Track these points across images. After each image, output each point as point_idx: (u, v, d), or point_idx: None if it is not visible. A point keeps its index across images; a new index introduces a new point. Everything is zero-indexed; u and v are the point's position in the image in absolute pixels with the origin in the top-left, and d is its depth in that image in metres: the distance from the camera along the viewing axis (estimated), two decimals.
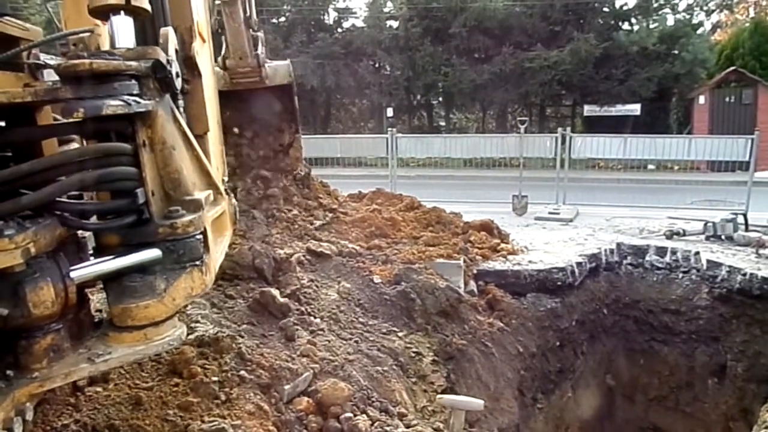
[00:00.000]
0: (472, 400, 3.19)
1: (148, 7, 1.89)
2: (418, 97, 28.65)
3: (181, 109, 2.32)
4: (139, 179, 1.78)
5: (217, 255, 2.17)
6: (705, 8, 28.83)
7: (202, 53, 2.52)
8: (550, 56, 23.42)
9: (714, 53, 25.19)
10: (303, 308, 4.71)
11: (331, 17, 29.09)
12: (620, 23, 25.78)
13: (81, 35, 1.76)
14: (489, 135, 21.87)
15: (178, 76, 1.89)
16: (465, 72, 24.69)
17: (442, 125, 30.62)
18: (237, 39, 5.62)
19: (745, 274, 6.43)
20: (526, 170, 13.31)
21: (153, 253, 1.80)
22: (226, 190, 2.51)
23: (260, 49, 5.85)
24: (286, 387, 3.62)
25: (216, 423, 3.03)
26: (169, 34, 1.95)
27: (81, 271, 1.66)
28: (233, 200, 2.53)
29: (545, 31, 24.65)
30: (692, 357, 6.90)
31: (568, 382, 6.97)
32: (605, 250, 7.68)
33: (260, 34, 6.00)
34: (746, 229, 8.29)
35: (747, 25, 25.92)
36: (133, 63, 1.68)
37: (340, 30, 28.56)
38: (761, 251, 7.24)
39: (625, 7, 26.02)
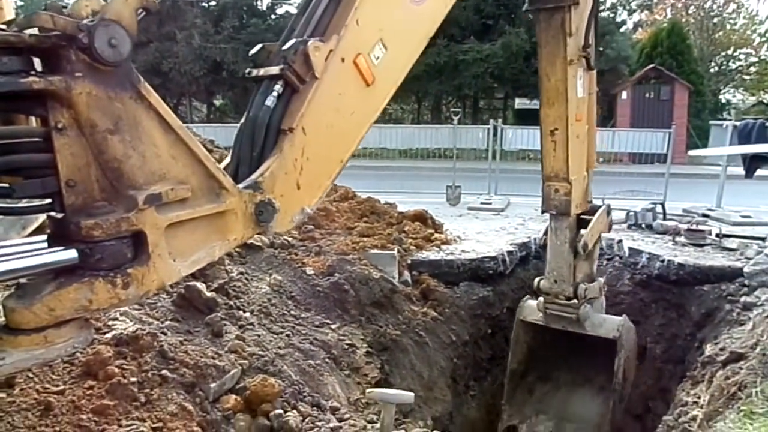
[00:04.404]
0: (402, 393, 3.15)
1: None
2: None
3: (274, 94, 2.19)
4: (52, 167, 1.58)
5: (172, 264, 1.81)
6: (627, 7, 30.25)
7: (335, 67, 2.31)
8: (483, 49, 23.85)
9: (635, 51, 26.48)
10: (231, 302, 4.54)
11: (264, 2, 28.44)
12: None
13: None
14: (423, 126, 22.09)
15: (113, 45, 1.55)
16: None
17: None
18: (556, 258, 5.15)
19: (663, 261, 6.76)
20: (460, 161, 13.51)
21: (60, 256, 1.60)
22: (255, 185, 2.12)
23: (593, 286, 5.21)
24: (212, 385, 3.46)
25: (134, 426, 2.85)
26: None
27: None
28: (258, 198, 2.09)
29: (478, 24, 25.06)
30: None
31: (500, 368, 7.10)
32: (535, 239, 7.87)
33: (599, 280, 5.44)
34: (664, 218, 8.74)
35: (665, 25, 27.39)
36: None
37: (273, 16, 27.94)
38: (677, 239, 7.63)
39: None
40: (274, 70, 2.24)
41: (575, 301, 5.15)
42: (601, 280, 5.62)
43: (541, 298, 5.40)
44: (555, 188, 4.96)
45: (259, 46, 2.44)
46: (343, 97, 2.38)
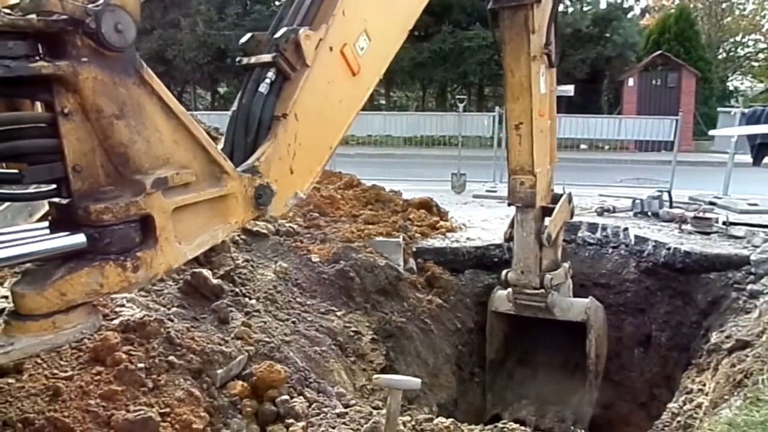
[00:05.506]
0: (409, 379, 3.15)
1: None
2: None
3: (267, 81, 2.26)
4: (59, 152, 1.57)
5: (178, 247, 1.84)
6: None
7: (324, 56, 2.39)
8: (488, 36, 23.63)
9: (642, 37, 26.21)
10: (237, 289, 4.55)
11: None
12: None
13: None
14: (428, 113, 21.98)
15: (119, 30, 1.55)
16: (405, 49, 24.55)
17: (383, 103, 30.50)
18: (522, 249, 5.28)
19: (669, 249, 6.72)
20: (465, 149, 13.45)
21: (68, 241, 1.59)
22: (252, 169, 2.15)
23: (558, 273, 5.32)
24: (219, 371, 3.48)
25: (142, 412, 2.87)
26: None
27: None
28: (257, 181, 2.14)
29: (484, 10, 24.79)
30: (621, 328, 7.16)
31: None
32: None
33: (564, 265, 5.53)
34: (670, 206, 8.69)
35: (672, 11, 27.09)
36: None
37: (277, 2, 27.74)
38: (684, 226, 7.59)
39: None
40: (266, 58, 2.30)
41: (543, 290, 5.29)
42: (566, 264, 5.73)
43: (510, 289, 5.52)
44: (520, 181, 5.11)
45: (248, 35, 2.51)
46: (331, 85, 2.48)
